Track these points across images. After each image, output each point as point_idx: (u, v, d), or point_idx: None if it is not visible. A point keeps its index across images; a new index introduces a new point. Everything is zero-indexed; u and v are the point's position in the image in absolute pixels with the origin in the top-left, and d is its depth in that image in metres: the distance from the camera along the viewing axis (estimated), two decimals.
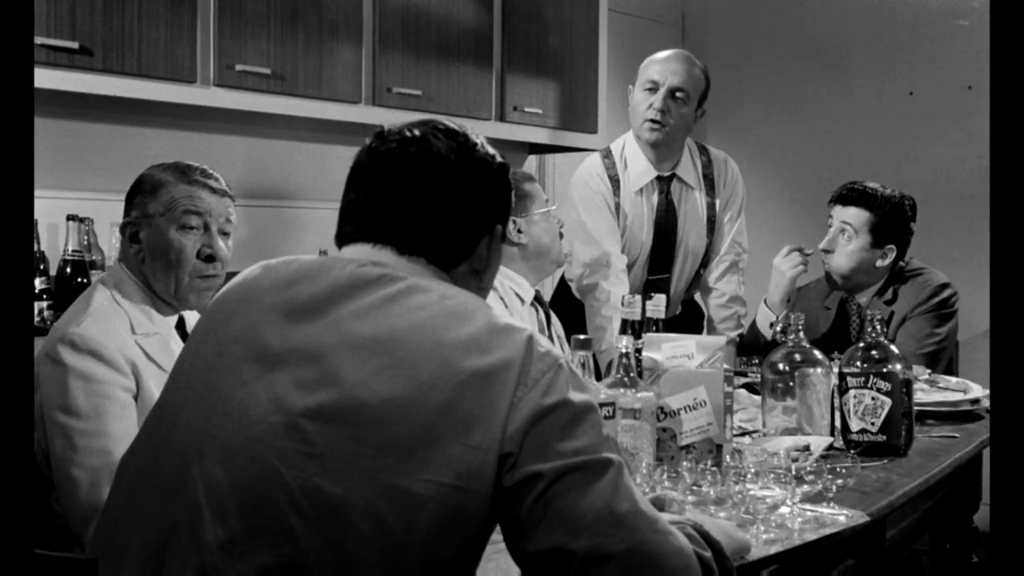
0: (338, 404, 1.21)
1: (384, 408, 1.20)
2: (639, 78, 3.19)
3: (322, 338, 1.26)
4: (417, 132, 1.39)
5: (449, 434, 1.19)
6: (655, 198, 3.23)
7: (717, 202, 3.28)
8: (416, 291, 1.29)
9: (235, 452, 1.23)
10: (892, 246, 2.99)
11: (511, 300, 2.61)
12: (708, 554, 1.26)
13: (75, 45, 2.51)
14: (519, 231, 2.64)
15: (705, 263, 3.34)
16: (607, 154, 3.27)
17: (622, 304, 2.33)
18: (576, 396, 1.23)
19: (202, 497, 1.23)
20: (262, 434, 1.22)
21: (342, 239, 1.40)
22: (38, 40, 2.43)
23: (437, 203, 1.36)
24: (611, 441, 1.27)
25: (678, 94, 3.12)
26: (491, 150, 1.43)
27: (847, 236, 2.99)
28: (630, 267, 3.23)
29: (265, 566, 1.18)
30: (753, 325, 3.14)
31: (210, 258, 1.96)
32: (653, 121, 3.12)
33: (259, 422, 1.23)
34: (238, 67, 2.84)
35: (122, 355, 1.84)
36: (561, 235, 2.74)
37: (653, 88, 3.13)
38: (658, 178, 3.22)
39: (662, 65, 3.15)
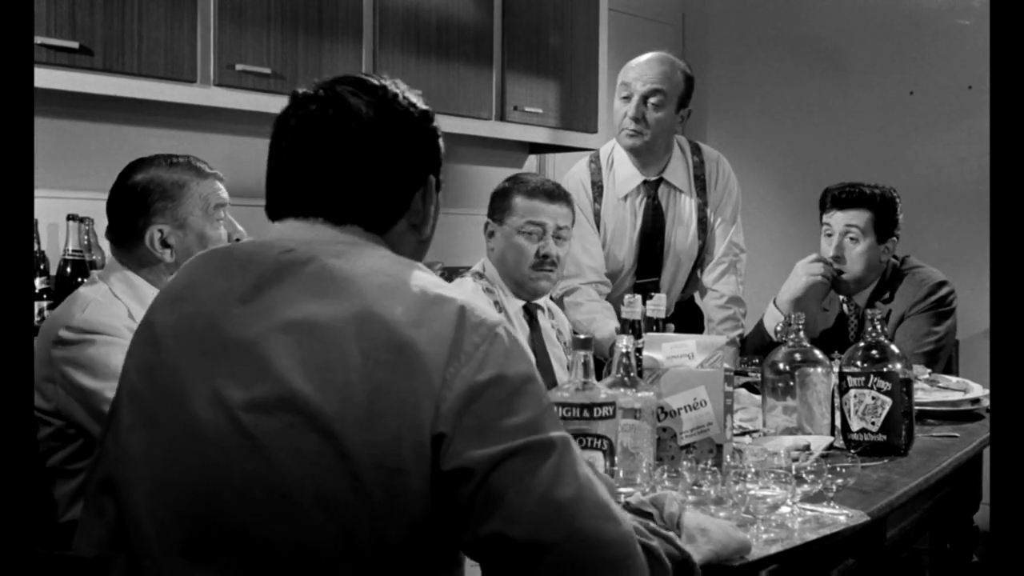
0: (274, 394, 1.19)
1: (320, 393, 1.17)
2: (617, 84, 3.17)
3: (255, 328, 1.23)
4: (334, 91, 1.34)
5: (385, 414, 1.16)
6: (641, 203, 3.21)
7: (709, 203, 3.25)
8: (343, 271, 1.25)
9: (181, 451, 1.22)
10: (894, 239, 3.00)
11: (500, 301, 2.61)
12: (654, 542, 1.23)
13: (75, 45, 2.50)
14: (491, 234, 2.62)
15: (700, 264, 3.32)
16: (594, 159, 3.25)
17: (623, 305, 2.33)
18: (512, 369, 1.19)
19: (156, 501, 1.22)
20: (205, 431, 1.20)
21: (273, 212, 1.36)
22: (38, 40, 2.42)
23: (363, 164, 1.31)
24: (553, 414, 1.22)
25: (651, 99, 3.10)
26: (413, 99, 1.38)
27: (853, 239, 2.98)
28: (617, 274, 3.22)
29: (227, 564, 1.17)
30: (760, 325, 3.12)
31: (236, 240, 2.05)
32: (629, 129, 3.11)
33: (201, 419, 1.21)
34: (238, 67, 2.84)
35: (129, 332, 1.84)
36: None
37: (628, 96, 3.12)
38: (645, 182, 3.20)
39: (635, 71, 3.13)
